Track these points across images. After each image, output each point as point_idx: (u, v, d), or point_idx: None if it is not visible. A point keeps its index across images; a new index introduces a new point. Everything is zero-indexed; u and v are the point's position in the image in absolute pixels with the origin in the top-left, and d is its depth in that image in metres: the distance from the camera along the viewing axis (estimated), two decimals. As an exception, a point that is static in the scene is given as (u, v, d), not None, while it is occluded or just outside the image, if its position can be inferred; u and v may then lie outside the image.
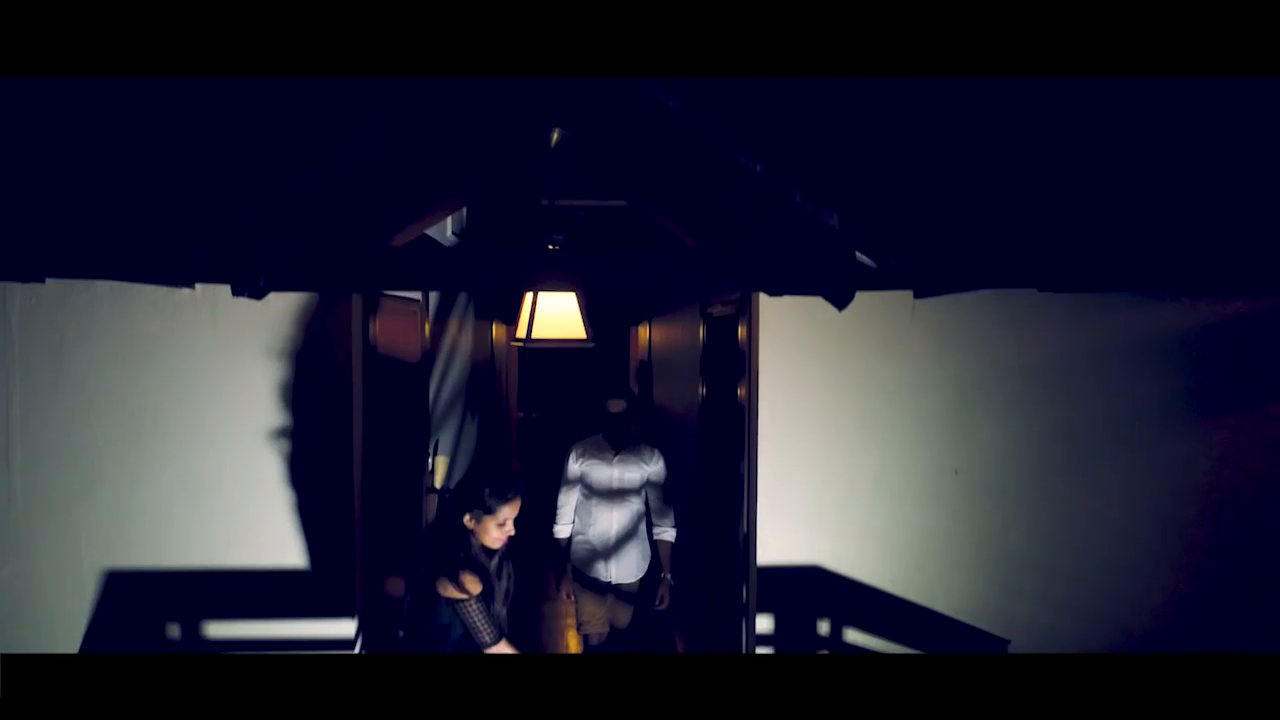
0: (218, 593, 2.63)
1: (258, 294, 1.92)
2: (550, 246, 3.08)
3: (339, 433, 2.63)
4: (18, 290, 2.52)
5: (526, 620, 4.80)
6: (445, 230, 3.72)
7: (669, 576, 3.48)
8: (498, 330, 6.57)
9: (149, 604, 2.61)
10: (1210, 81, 2.14)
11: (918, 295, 2.67)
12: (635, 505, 3.48)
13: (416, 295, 3.55)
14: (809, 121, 1.97)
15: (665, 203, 2.59)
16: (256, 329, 2.59)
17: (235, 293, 1.93)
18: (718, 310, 3.52)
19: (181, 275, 2.19)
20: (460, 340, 4.84)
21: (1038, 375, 2.75)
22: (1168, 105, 2.35)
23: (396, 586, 2.90)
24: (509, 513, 2.32)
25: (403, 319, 3.25)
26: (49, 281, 2.48)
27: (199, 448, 2.60)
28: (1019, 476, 2.77)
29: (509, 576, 2.43)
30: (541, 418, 9.00)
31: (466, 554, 2.29)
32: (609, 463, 3.45)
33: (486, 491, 2.29)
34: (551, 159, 2.34)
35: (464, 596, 2.22)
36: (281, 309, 2.59)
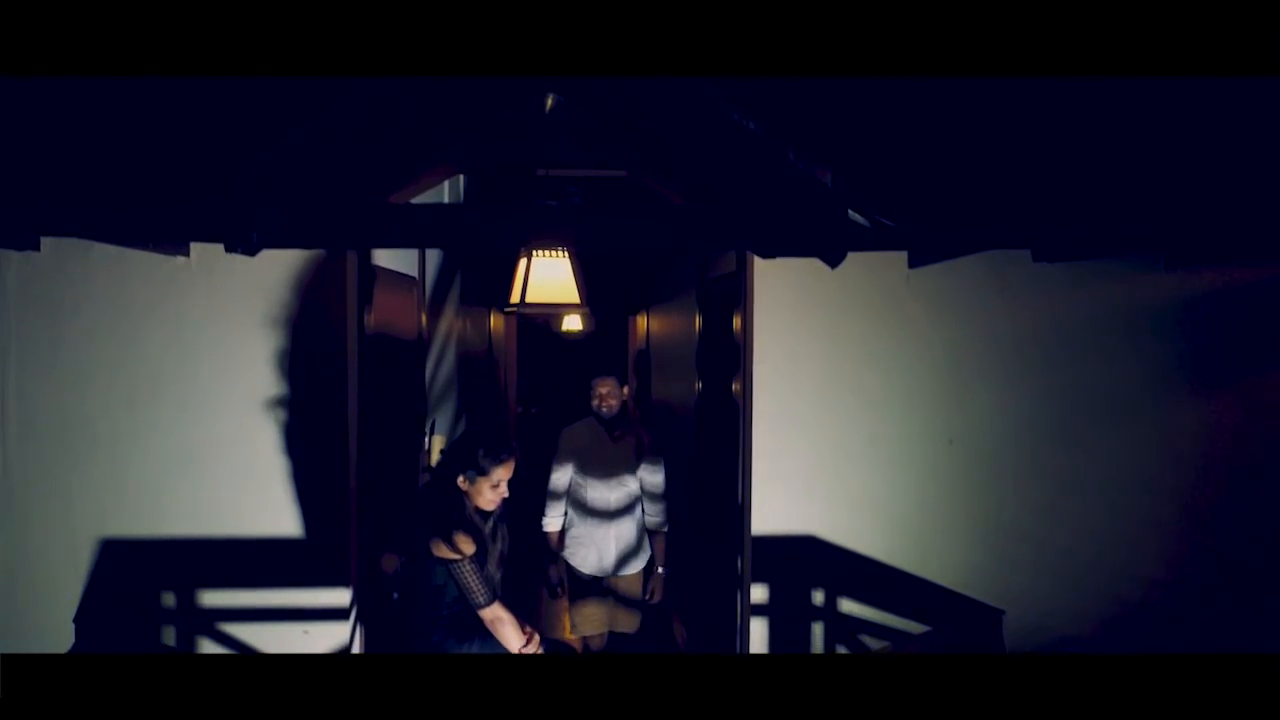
0: (213, 561, 2.63)
1: (251, 250, 1.92)
2: (549, 201, 3.04)
3: (335, 402, 2.63)
4: (14, 259, 2.53)
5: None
6: (442, 198, 3.74)
7: (662, 570, 3.39)
8: (495, 320, 6.54)
9: (144, 573, 2.61)
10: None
11: (912, 259, 2.67)
12: (631, 486, 3.40)
13: (413, 273, 3.56)
14: (802, 80, 1.98)
15: (661, 166, 2.60)
16: (252, 298, 2.60)
17: (228, 249, 1.93)
18: (714, 275, 3.51)
19: (174, 231, 2.20)
20: (456, 327, 4.84)
21: (1033, 346, 2.76)
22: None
23: (391, 563, 2.90)
24: (503, 474, 2.32)
25: (400, 294, 3.26)
26: (45, 250, 2.49)
27: (195, 417, 2.60)
28: (1014, 446, 2.76)
29: (503, 538, 2.44)
30: (540, 413, 9.00)
31: (460, 515, 2.29)
32: (606, 446, 3.34)
33: (480, 453, 2.29)
34: (546, 125, 2.35)
35: (458, 557, 2.22)
36: (278, 277, 2.59)
